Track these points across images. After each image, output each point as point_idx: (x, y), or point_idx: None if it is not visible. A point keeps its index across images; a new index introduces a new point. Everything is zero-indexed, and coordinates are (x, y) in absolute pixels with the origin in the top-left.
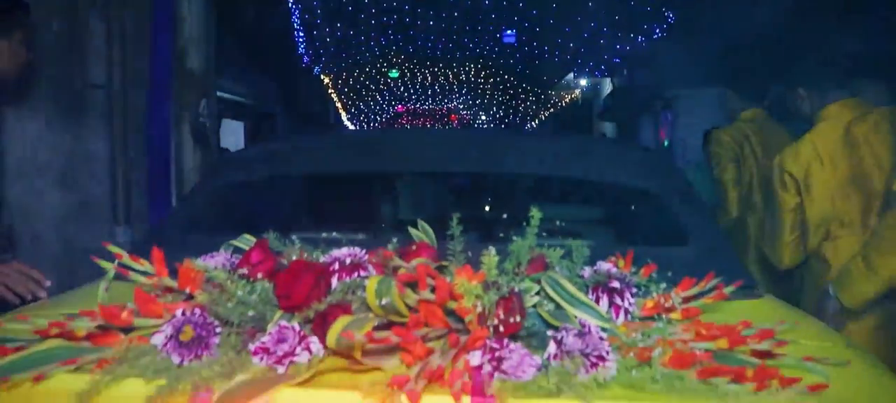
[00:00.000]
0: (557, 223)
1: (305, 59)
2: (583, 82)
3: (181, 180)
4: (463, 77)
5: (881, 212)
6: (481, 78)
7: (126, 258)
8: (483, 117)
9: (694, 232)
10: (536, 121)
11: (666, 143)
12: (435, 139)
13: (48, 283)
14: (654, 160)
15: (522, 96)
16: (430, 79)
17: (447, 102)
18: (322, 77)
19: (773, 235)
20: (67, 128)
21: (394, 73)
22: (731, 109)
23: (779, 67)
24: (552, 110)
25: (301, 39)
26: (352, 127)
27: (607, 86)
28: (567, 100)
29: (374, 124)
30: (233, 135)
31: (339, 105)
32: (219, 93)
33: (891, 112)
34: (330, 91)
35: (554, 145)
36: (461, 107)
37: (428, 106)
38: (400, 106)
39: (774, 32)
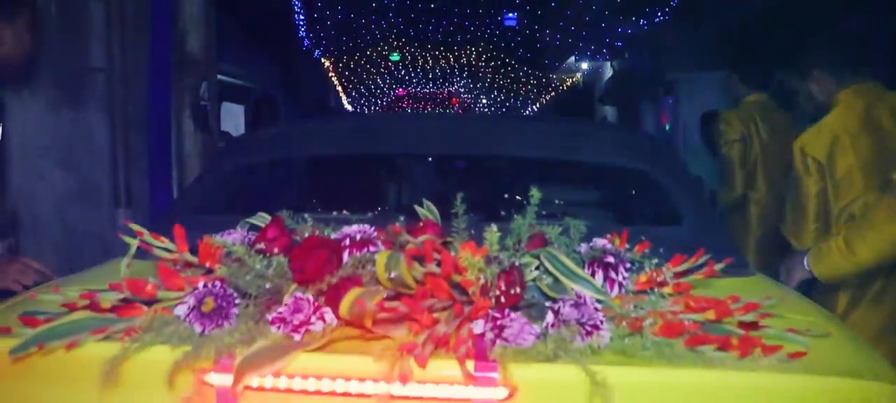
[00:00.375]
0: (556, 202)
1: (306, 42)
2: (584, 66)
3: (182, 163)
4: (464, 60)
5: (863, 195)
6: (482, 61)
7: (147, 235)
8: (484, 101)
9: (687, 212)
10: (537, 105)
11: (667, 127)
12: (438, 123)
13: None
14: (649, 143)
15: (523, 80)
16: (430, 62)
17: (448, 86)
18: (323, 60)
19: (798, 225)
20: (68, 111)
21: (395, 57)
22: (736, 94)
23: (782, 52)
24: (553, 94)
25: (302, 22)
26: (352, 110)
27: (608, 70)
28: (568, 84)
29: (374, 108)
30: (233, 118)
31: (339, 88)
32: (219, 77)
33: None
34: (330, 74)
35: (552, 128)
36: (462, 90)
37: (429, 89)
38: (401, 89)
39: (778, 17)
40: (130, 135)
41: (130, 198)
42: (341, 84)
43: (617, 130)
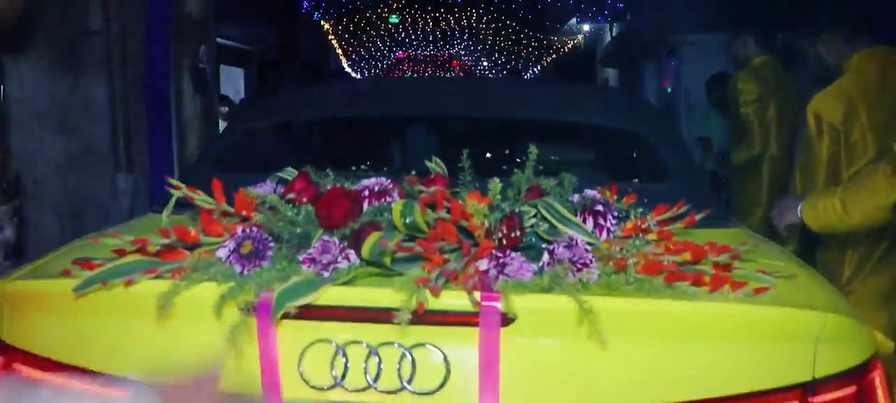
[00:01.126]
0: (552, 158)
1: (305, 4)
2: (585, 28)
3: (181, 126)
4: (464, 22)
5: (873, 162)
6: (483, 23)
7: (184, 189)
8: (484, 63)
9: (673, 169)
10: (538, 68)
11: (669, 90)
12: (445, 87)
13: None
14: (640, 105)
15: (524, 42)
16: (430, 24)
17: (448, 48)
18: (322, 23)
19: (808, 189)
20: (66, 75)
21: (394, 19)
22: (744, 55)
23: (790, 14)
24: (554, 56)
25: None
26: (352, 73)
27: (609, 33)
28: (569, 46)
29: (374, 71)
30: (232, 82)
31: (339, 51)
32: (218, 40)
33: None
34: (330, 37)
35: (551, 91)
36: (462, 53)
37: (429, 52)
38: (400, 52)
39: None
40: (129, 99)
41: (131, 161)
42: (341, 47)
43: (611, 93)
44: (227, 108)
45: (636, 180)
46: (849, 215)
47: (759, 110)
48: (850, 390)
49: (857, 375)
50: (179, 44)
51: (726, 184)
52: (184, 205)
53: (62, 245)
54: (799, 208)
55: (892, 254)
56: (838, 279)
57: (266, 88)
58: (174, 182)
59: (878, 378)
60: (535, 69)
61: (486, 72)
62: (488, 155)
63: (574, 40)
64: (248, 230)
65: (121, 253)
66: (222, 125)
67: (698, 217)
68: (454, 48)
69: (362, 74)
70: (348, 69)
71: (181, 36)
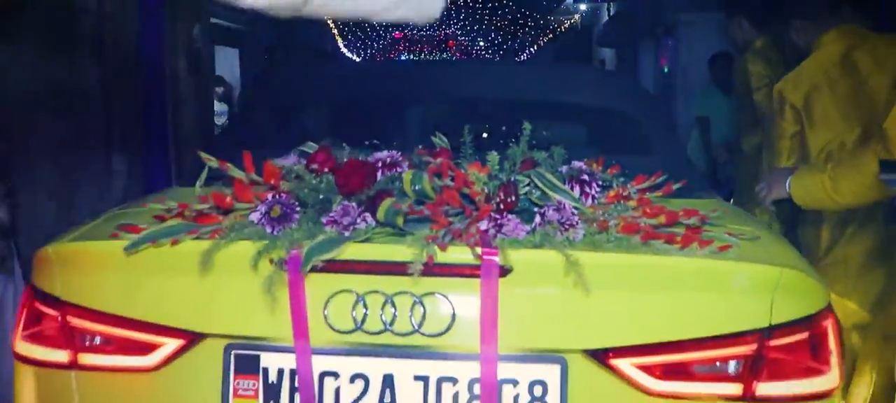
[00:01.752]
0: (544, 134)
1: None
2: (582, 7)
3: (175, 107)
4: (461, 2)
5: (865, 143)
6: (479, 3)
7: (214, 162)
8: (481, 43)
9: (657, 144)
10: (535, 48)
11: (665, 70)
12: (448, 70)
13: None
14: (628, 85)
15: (521, 22)
16: None
17: (444, 28)
18: None
19: (771, 165)
20: (58, 55)
21: None
22: (742, 38)
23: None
24: (551, 36)
25: None
26: (349, 54)
27: (607, 12)
28: (566, 26)
29: (370, 51)
30: (228, 62)
31: (335, 31)
32: (212, 20)
33: (891, 38)
34: (327, 17)
35: (545, 74)
36: (459, 33)
37: (425, 32)
38: (397, 32)
39: None
40: (123, 79)
41: (125, 142)
42: (337, 27)
43: (601, 74)
44: (222, 89)
45: (621, 154)
46: (837, 192)
47: (769, 93)
48: (804, 335)
49: (810, 323)
50: (173, 23)
51: (730, 168)
52: (208, 178)
53: (56, 226)
54: (788, 182)
55: (864, 230)
56: (815, 254)
57: (275, 68)
58: (205, 155)
59: (829, 326)
60: (531, 49)
61: (483, 53)
62: (485, 135)
63: (571, 20)
64: (277, 196)
65: (161, 218)
66: (217, 106)
67: (675, 187)
68: (450, 28)
69: (360, 54)
70: (344, 49)
71: (175, 15)
